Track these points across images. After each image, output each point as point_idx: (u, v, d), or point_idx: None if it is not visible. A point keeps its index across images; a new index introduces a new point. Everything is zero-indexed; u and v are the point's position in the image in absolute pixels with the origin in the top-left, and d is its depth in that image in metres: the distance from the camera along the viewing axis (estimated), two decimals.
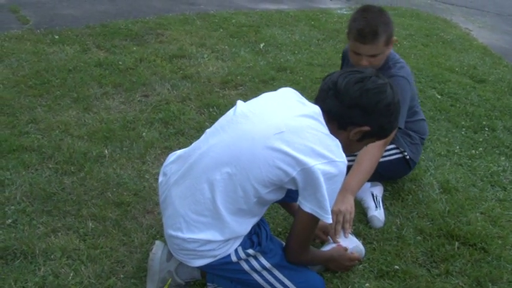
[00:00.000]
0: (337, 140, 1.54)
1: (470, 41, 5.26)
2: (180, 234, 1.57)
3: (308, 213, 1.53)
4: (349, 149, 1.64)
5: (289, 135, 1.49)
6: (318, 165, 1.46)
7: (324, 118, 1.56)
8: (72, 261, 1.86)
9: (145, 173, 2.41)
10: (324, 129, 1.54)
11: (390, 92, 1.59)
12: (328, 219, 1.53)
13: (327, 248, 1.91)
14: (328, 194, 1.49)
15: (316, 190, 1.48)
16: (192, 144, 1.68)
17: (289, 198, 1.69)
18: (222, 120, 1.65)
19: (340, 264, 1.87)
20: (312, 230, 1.62)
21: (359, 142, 1.66)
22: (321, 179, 1.46)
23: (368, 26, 2.08)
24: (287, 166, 1.47)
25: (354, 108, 1.56)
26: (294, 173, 1.47)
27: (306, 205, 1.52)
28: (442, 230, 2.20)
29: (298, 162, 1.46)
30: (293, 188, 1.55)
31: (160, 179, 1.73)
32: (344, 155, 1.53)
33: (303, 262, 1.72)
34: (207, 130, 1.67)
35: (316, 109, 1.58)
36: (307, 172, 1.46)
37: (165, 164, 1.75)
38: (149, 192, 2.27)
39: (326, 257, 1.85)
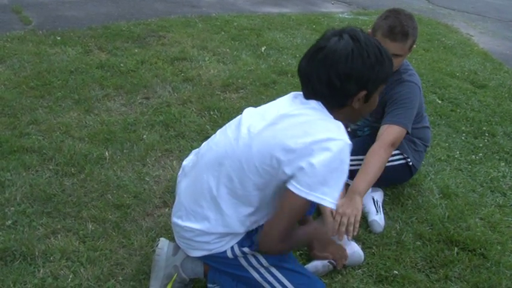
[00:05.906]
0: (338, 122, 1.47)
1: (471, 46, 5.27)
2: (180, 221, 1.62)
3: (296, 195, 1.42)
4: (362, 115, 1.59)
5: (284, 131, 1.44)
6: (315, 151, 1.38)
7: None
8: (71, 263, 1.86)
9: (146, 176, 2.41)
10: (323, 115, 1.47)
11: (354, 43, 1.42)
12: (329, 203, 1.41)
13: (315, 263, 1.92)
14: (329, 176, 1.40)
15: (311, 173, 1.39)
16: (206, 141, 1.72)
17: None
18: (231, 123, 1.65)
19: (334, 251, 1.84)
20: (297, 215, 1.50)
21: (367, 103, 1.54)
22: (316, 165, 1.38)
23: (400, 25, 2.13)
24: (279, 153, 1.41)
25: (338, 87, 1.45)
26: (285, 160, 1.41)
27: (296, 186, 1.42)
28: (441, 235, 2.21)
29: (290, 150, 1.41)
30: (284, 177, 1.45)
31: (179, 172, 1.79)
32: (345, 135, 1.44)
33: (280, 251, 1.59)
34: (218, 130, 1.69)
35: (315, 103, 1.51)
36: (299, 159, 1.40)
37: (185, 159, 1.80)
38: (149, 194, 2.28)
39: (307, 236, 1.70)
